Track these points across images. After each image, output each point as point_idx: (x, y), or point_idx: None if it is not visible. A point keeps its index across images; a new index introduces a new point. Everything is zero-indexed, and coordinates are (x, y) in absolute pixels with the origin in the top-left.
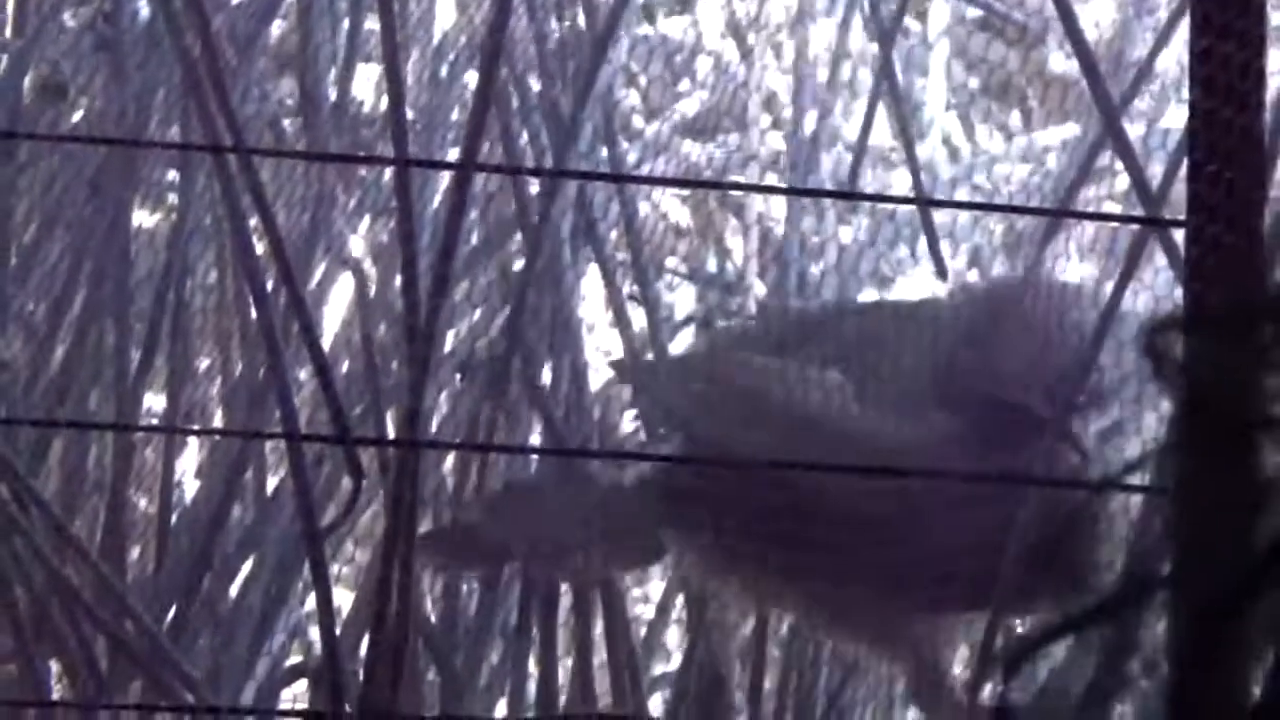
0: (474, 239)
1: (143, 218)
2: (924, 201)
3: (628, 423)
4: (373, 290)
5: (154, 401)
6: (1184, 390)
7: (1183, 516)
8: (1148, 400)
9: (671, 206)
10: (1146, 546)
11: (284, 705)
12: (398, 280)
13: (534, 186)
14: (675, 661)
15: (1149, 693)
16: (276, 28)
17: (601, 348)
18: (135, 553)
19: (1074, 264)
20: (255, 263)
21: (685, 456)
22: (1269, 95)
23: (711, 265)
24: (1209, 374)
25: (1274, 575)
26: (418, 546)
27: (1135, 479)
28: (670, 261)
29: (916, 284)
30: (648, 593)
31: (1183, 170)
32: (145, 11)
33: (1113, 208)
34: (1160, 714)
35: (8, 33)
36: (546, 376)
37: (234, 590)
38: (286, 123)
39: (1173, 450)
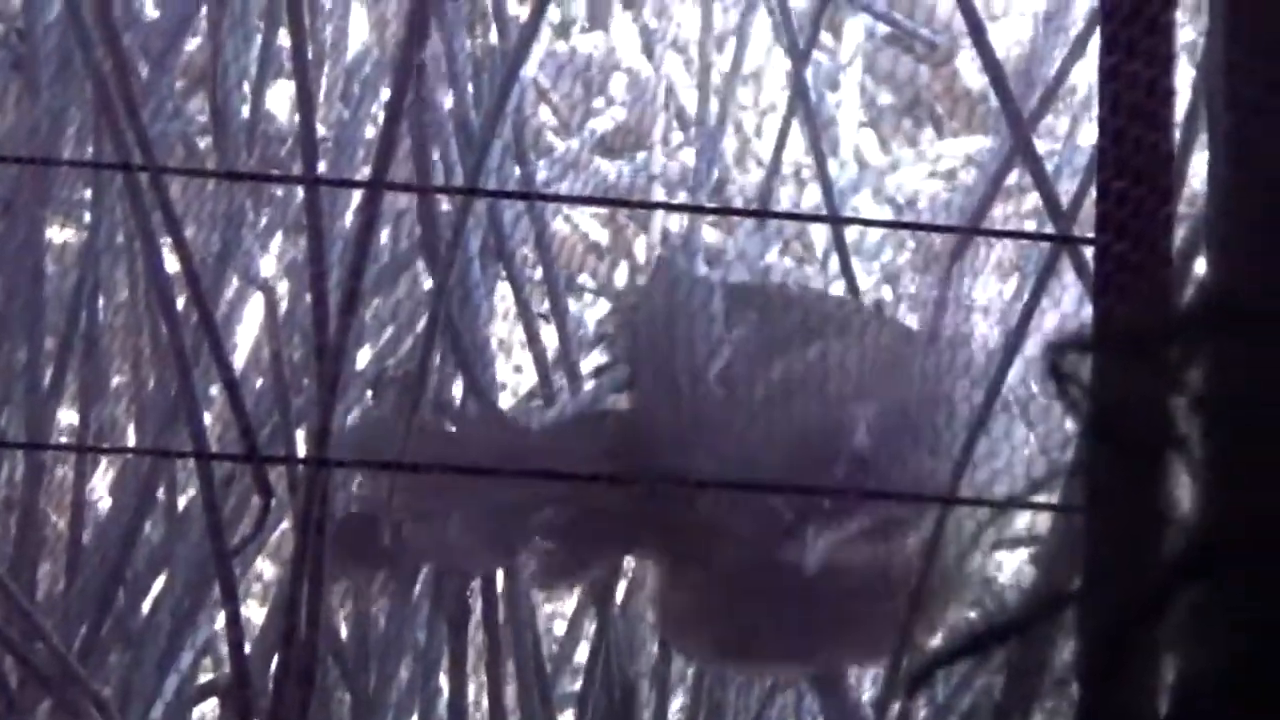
0: (385, 257)
1: (55, 235)
2: (836, 220)
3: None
4: (283, 309)
5: (66, 418)
6: (1090, 410)
7: (1090, 535)
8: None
9: (585, 223)
10: (1053, 565)
11: None
12: (308, 299)
13: (445, 204)
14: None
15: (1056, 712)
16: (189, 45)
17: (513, 365)
18: (46, 571)
19: (984, 281)
20: (166, 281)
21: (603, 475)
22: (1177, 113)
23: (623, 282)
24: (1116, 394)
25: (1180, 593)
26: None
27: (1041, 497)
28: (583, 278)
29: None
30: (558, 609)
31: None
32: (57, 28)
33: (1024, 225)
34: None
35: None
36: (457, 395)
37: (145, 609)
38: (198, 140)
39: (1079, 470)
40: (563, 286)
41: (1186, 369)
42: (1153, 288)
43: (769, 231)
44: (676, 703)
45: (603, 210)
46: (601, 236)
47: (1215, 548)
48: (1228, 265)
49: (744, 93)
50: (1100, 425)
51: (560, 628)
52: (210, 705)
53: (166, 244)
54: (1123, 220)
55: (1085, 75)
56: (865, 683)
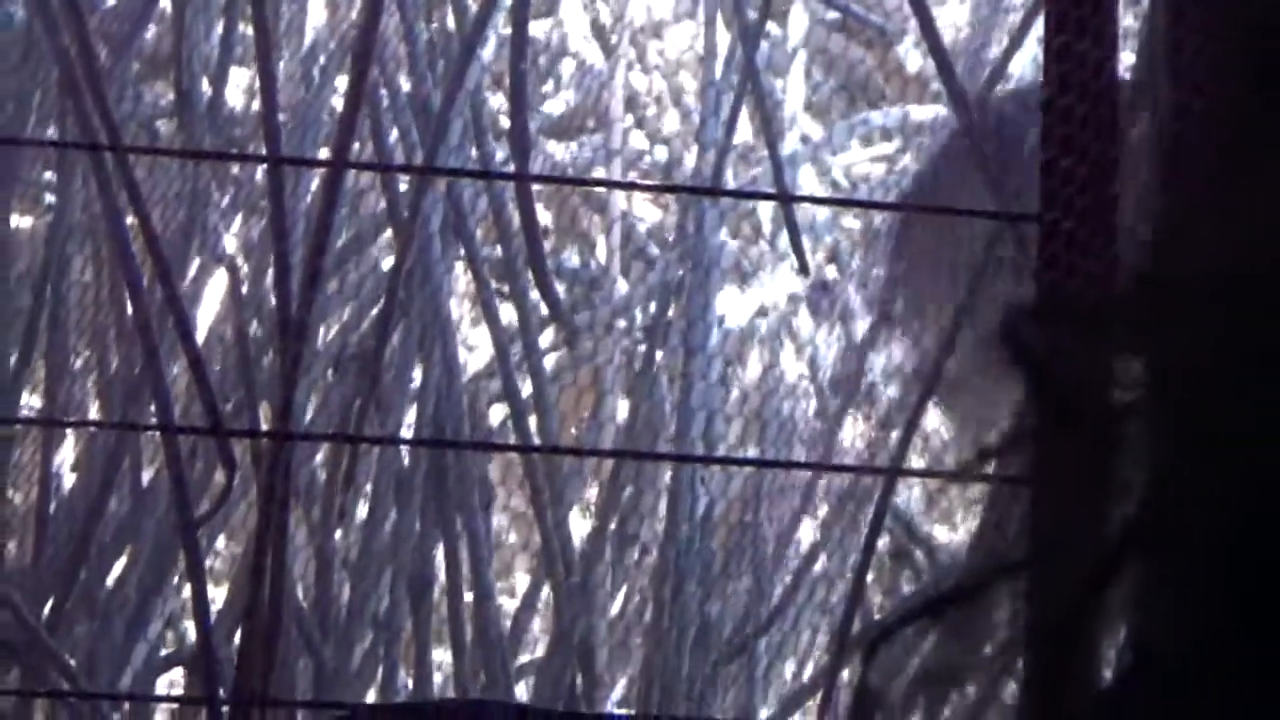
0: (344, 235)
1: (19, 218)
2: (785, 198)
3: (495, 413)
4: (246, 286)
5: (31, 397)
6: (1040, 378)
7: (1038, 504)
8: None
9: (538, 204)
10: (1000, 532)
11: (160, 692)
12: (271, 276)
13: (404, 184)
14: (539, 650)
15: (1000, 674)
16: (151, 30)
17: (470, 341)
18: (14, 546)
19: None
20: (131, 260)
21: (538, 446)
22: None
23: (575, 261)
24: (1066, 363)
25: (1130, 562)
26: None
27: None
28: None
29: (777, 279)
30: (512, 585)
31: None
32: (22, 14)
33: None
34: (1015, 694)
35: None
36: (418, 370)
37: (111, 580)
38: (161, 123)
39: (1028, 438)
40: (521, 265)
41: (1135, 344)
42: (1100, 264)
43: (719, 209)
44: (630, 671)
45: (555, 191)
46: (548, 218)
47: (1164, 518)
48: (1170, 240)
49: (689, 77)
50: (1051, 394)
51: (512, 599)
52: (176, 674)
53: (131, 224)
54: (1069, 197)
55: (1026, 57)
56: (813, 653)
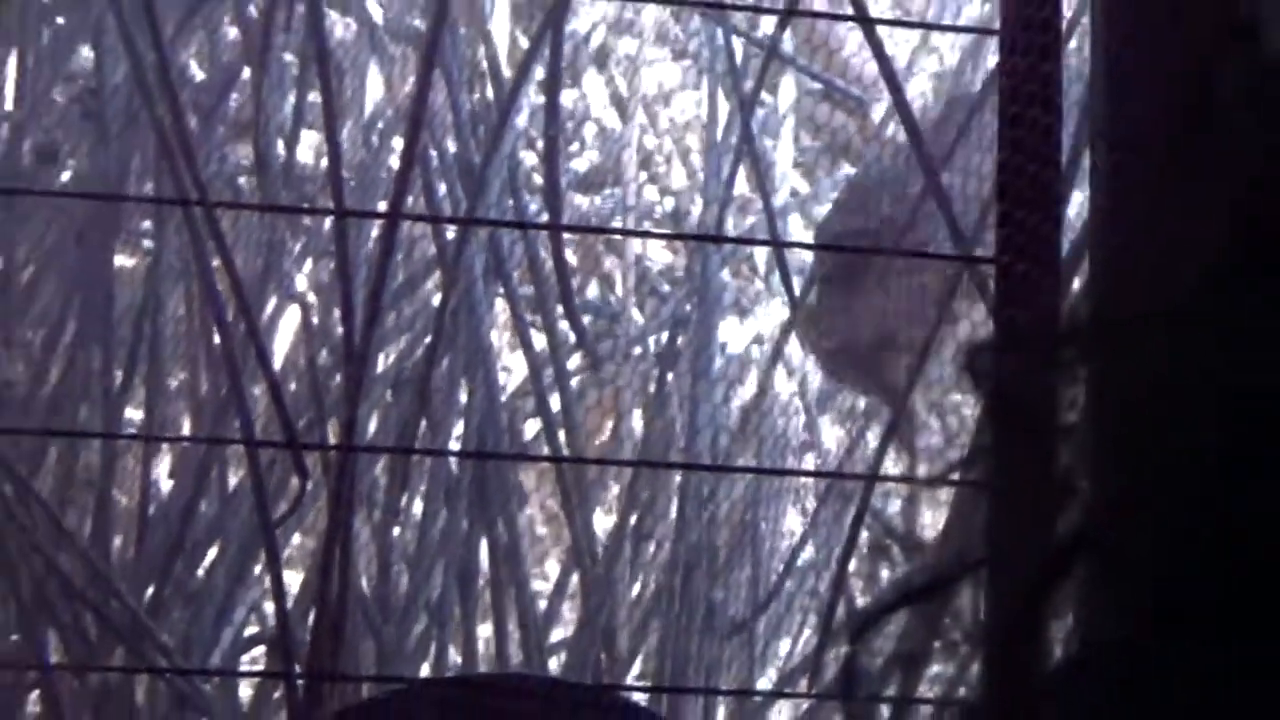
0: (400, 277)
1: (123, 260)
2: (777, 243)
3: (530, 427)
4: (316, 320)
5: (134, 414)
6: (995, 401)
7: (997, 509)
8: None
9: (566, 249)
10: (964, 533)
11: (244, 668)
12: (337, 312)
13: (451, 233)
14: (569, 630)
15: (966, 657)
16: (234, 100)
17: (507, 365)
18: (118, 542)
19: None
20: (217, 298)
21: (582, 458)
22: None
23: (598, 297)
24: (1017, 388)
25: (1076, 562)
26: None
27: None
28: None
29: (771, 312)
30: (545, 571)
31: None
32: (124, 87)
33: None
34: (977, 674)
35: (8, 105)
36: (463, 391)
37: (201, 572)
38: (243, 180)
39: (985, 452)
40: (552, 302)
41: (1078, 368)
42: (1047, 299)
43: (721, 253)
44: (647, 649)
45: (579, 238)
46: (575, 260)
47: (1103, 523)
48: (1108, 279)
49: (694, 139)
50: (1005, 415)
51: (545, 587)
52: (258, 652)
53: (217, 267)
54: (1021, 244)
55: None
56: (803, 633)
